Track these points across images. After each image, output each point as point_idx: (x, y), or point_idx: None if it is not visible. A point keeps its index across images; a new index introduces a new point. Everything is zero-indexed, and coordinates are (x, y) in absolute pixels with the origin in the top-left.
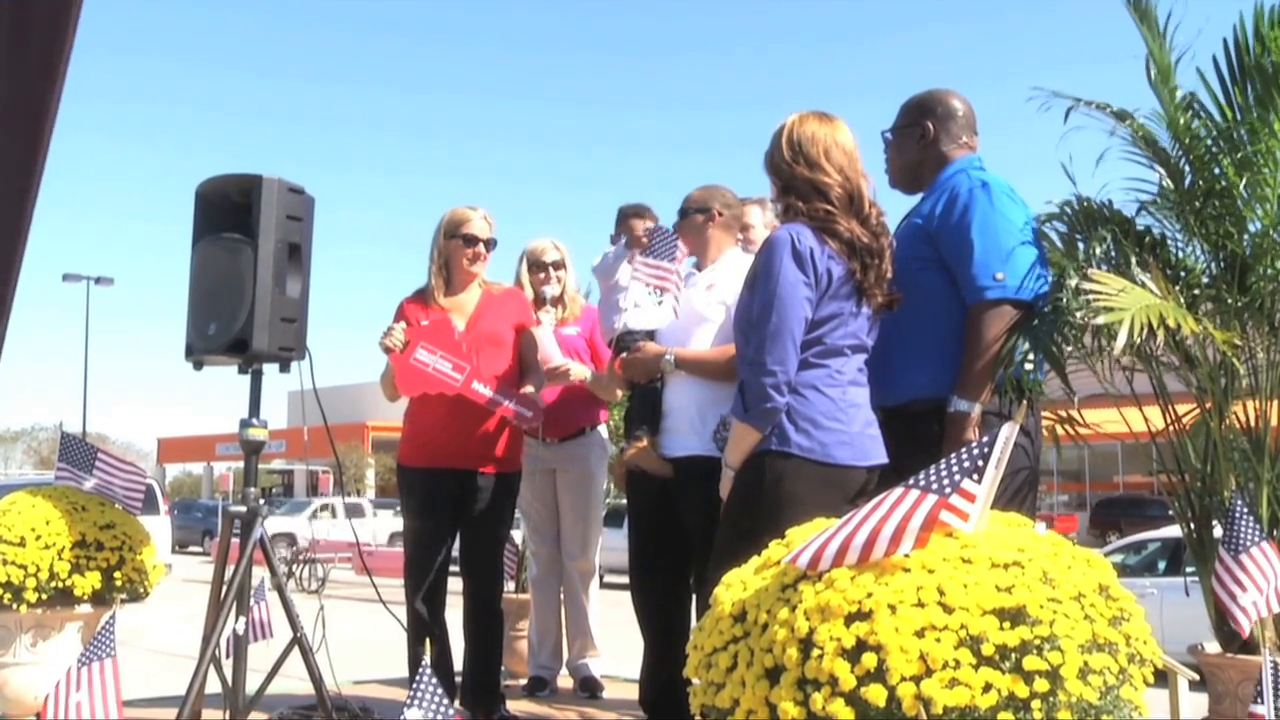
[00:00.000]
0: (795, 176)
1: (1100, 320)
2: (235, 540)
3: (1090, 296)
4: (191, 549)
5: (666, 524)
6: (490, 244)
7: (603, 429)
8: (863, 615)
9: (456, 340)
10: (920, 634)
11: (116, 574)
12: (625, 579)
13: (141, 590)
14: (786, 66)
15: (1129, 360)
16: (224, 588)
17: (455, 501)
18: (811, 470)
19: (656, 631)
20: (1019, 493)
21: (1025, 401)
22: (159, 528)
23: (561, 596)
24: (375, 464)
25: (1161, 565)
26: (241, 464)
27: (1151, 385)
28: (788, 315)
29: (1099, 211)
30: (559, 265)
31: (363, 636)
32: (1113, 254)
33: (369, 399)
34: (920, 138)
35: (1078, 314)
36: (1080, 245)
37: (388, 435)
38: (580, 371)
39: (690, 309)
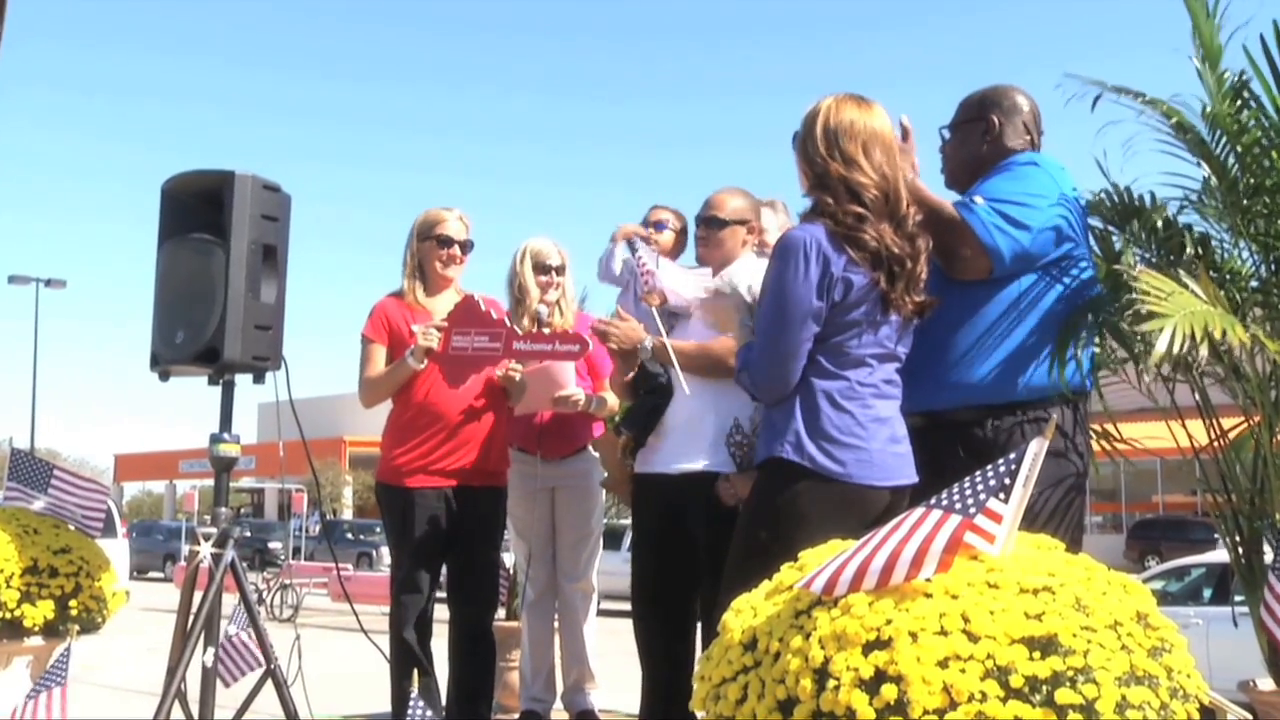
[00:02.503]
0: (829, 174)
1: (1147, 326)
2: (203, 565)
3: (1138, 297)
4: (152, 575)
5: (673, 545)
6: (466, 246)
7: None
8: (882, 644)
9: (485, 311)
10: (944, 664)
11: (71, 603)
12: (623, 605)
13: (99, 620)
14: (794, 56)
15: (1168, 370)
16: (190, 616)
17: (442, 521)
18: (827, 488)
19: (659, 661)
20: (1058, 507)
21: (1054, 417)
22: (116, 551)
23: (556, 624)
24: (353, 481)
25: (1207, 593)
26: (207, 482)
27: (1194, 398)
28: (792, 326)
29: (1141, 205)
30: (561, 271)
31: (341, 668)
32: (1151, 252)
33: (346, 412)
34: (985, 133)
35: (1127, 314)
36: (1115, 240)
37: (366, 451)
38: (585, 400)
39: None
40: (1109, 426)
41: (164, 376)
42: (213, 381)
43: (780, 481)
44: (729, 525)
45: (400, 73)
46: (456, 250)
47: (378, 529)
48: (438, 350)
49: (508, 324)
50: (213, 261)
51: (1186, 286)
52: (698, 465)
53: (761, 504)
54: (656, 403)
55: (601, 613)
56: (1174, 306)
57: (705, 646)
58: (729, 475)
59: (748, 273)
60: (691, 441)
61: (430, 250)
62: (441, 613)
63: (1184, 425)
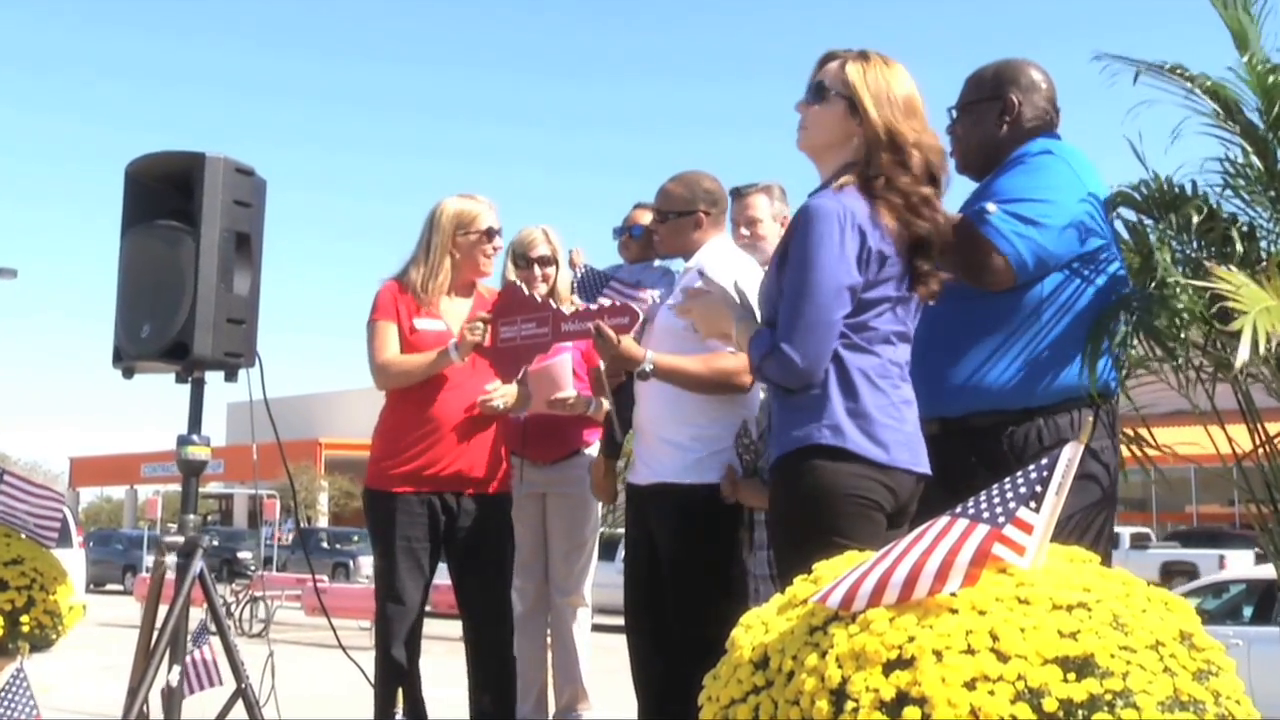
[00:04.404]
0: (908, 143)
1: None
2: (169, 577)
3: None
4: (110, 587)
5: (655, 557)
6: (503, 235)
7: (595, 449)
8: (904, 663)
9: (528, 296)
10: (971, 685)
11: (23, 618)
12: (617, 620)
13: (54, 636)
14: (796, 38)
15: (1210, 371)
16: (154, 632)
17: (437, 530)
18: (870, 473)
19: (651, 678)
20: (1085, 519)
21: (1093, 418)
22: (72, 562)
23: (548, 639)
24: (329, 486)
25: (1247, 611)
26: (172, 487)
27: (1236, 400)
28: (826, 304)
29: (1180, 194)
30: (548, 261)
31: (317, 687)
32: (1189, 245)
33: (321, 412)
34: (1002, 113)
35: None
36: (1151, 232)
37: (343, 454)
38: (580, 403)
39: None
40: (1142, 431)
41: (128, 373)
42: (181, 379)
43: (817, 469)
44: (689, 539)
45: (381, 50)
46: (500, 241)
47: (355, 537)
48: (486, 344)
49: (553, 305)
50: (181, 250)
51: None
52: (660, 477)
53: (795, 498)
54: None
55: (595, 628)
56: (1248, 301)
57: (683, 665)
58: (736, 480)
59: (724, 265)
60: (654, 451)
61: (474, 245)
62: (439, 629)
63: (1225, 430)
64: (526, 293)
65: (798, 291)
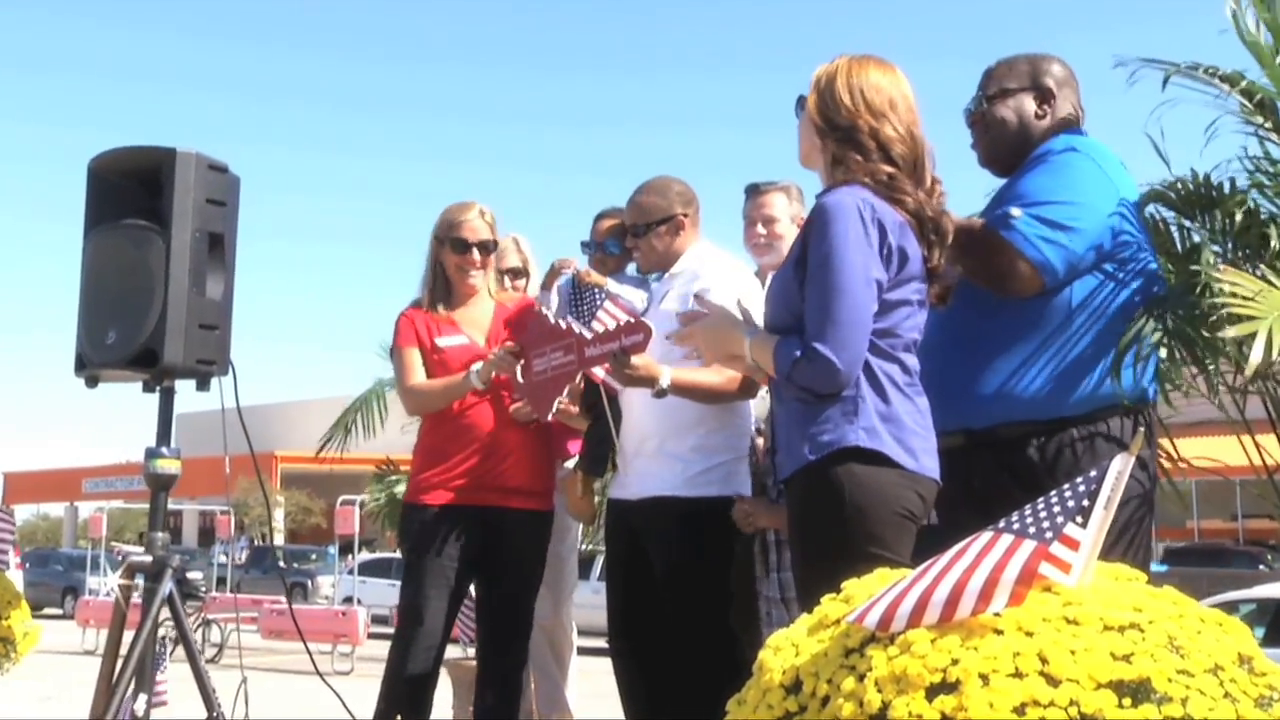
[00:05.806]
0: (856, 127)
1: (1234, 331)
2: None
3: (1223, 298)
4: (49, 611)
5: (642, 575)
6: (486, 247)
7: (573, 464)
8: (948, 686)
9: (553, 324)
10: (1020, 710)
11: None
12: (601, 642)
13: (6, 665)
14: (795, 31)
15: (1241, 380)
16: (118, 660)
17: (470, 545)
18: (904, 478)
19: (640, 702)
20: (1125, 531)
21: (1142, 429)
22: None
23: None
24: (285, 502)
25: (1259, 632)
26: (116, 504)
27: (1266, 410)
28: (860, 300)
29: (1219, 193)
30: (519, 274)
31: (278, 715)
32: (1226, 246)
33: (278, 424)
34: (1042, 103)
35: (1210, 318)
36: (1181, 232)
37: (300, 468)
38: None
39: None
40: (1166, 443)
41: (92, 382)
42: (149, 388)
43: (854, 475)
44: (692, 554)
45: (369, 40)
46: (474, 255)
47: (313, 555)
48: (521, 381)
49: (576, 330)
50: (150, 252)
51: (1274, 285)
52: (657, 490)
53: (826, 505)
54: (601, 432)
55: (580, 651)
56: (1266, 307)
57: (683, 682)
58: (744, 499)
59: (719, 274)
60: (650, 464)
61: (447, 256)
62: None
63: (1256, 441)
64: (551, 320)
65: (827, 290)
